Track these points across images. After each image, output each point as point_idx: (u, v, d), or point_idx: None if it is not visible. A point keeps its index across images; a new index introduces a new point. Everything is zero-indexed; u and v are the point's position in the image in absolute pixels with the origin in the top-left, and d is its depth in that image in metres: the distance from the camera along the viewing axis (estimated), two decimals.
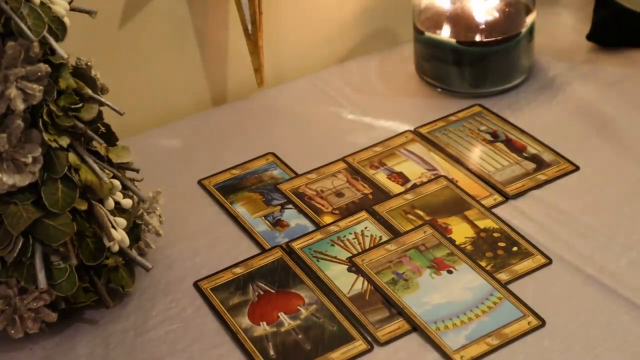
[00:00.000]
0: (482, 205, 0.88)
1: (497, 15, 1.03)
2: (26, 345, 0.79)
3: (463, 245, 0.84)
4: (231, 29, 1.08)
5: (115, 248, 0.78)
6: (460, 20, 1.03)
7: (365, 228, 0.87)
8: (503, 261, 0.82)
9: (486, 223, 0.86)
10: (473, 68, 1.02)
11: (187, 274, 0.84)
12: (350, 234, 0.86)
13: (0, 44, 0.70)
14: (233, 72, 1.11)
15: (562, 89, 1.03)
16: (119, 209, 0.79)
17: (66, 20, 0.73)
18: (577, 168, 0.92)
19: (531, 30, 1.03)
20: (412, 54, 1.07)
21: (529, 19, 1.02)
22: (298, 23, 1.12)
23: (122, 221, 0.79)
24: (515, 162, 0.93)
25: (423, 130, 0.99)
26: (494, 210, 0.88)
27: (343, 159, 0.96)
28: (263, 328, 0.78)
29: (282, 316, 0.79)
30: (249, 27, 1.03)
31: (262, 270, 0.83)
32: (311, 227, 0.88)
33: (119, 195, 0.79)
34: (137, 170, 0.84)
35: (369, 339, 0.76)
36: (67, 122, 0.74)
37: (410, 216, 0.87)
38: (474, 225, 0.86)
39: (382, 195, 0.91)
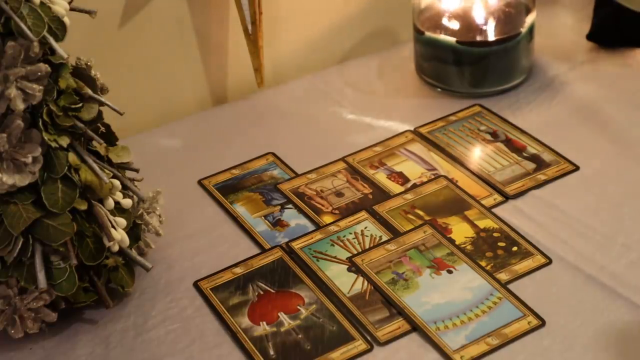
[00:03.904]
0: (482, 205, 0.88)
1: (497, 15, 1.03)
2: (26, 345, 0.79)
3: (463, 245, 0.84)
4: (231, 29, 1.08)
5: (115, 248, 0.78)
6: (460, 21, 1.03)
7: (365, 228, 0.87)
8: (503, 261, 0.82)
9: (486, 223, 0.86)
10: (473, 68, 1.02)
11: (187, 274, 0.84)
12: (350, 233, 0.86)
13: (0, 44, 0.70)
14: (233, 72, 1.11)
15: (562, 89, 1.03)
16: (119, 209, 0.79)
17: (66, 20, 0.73)
18: (577, 168, 0.92)
19: (531, 30, 1.03)
20: (412, 54, 1.07)
21: (529, 19, 1.02)
22: (298, 23, 1.12)
23: (122, 221, 0.79)
24: (515, 162, 0.93)
25: (423, 130, 0.99)
26: (494, 210, 0.88)
27: (343, 159, 0.96)
28: (263, 328, 0.78)
29: (282, 316, 0.79)
30: (249, 27, 1.03)
31: (262, 270, 0.83)
32: (311, 227, 0.88)
33: (119, 195, 0.79)
34: (137, 170, 0.84)
35: (369, 338, 0.76)
36: (67, 122, 0.74)
37: (410, 216, 0.87)
38: (474, 225, 0.86)
39: (382, 195, 0.91)
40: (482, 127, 0.98)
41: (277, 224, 0.89)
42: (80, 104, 0.75)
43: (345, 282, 0.81)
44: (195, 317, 0.80)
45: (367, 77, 1.09)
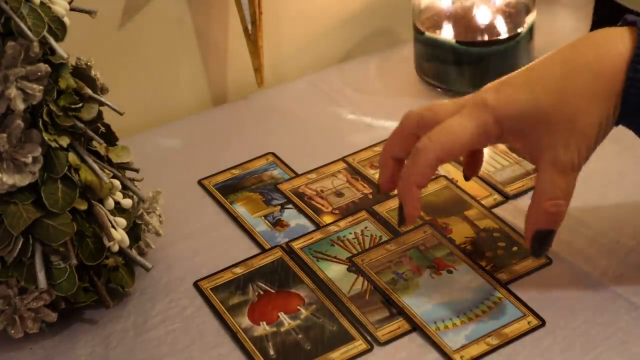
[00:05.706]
0: (482, 205, 0.88)
1: (497, 15, 1.03)
2: (26, 345, 0.79)
3: (463, 245, 0.84)
4: (231, 29, 1.08)
5: (115, 248, 0.78)
6: (460, 20, 1.03)
7: (365, 228, 0.87)
8: (503, 261, 0.82)
9: (486, 223, 0.86)
10: (473, 68, 1.02)
11: (187, 274, 0.84)
12: (350, 234, 0.86)
13: (0, 44, 0.70)
14: (233, 72, 1.11)
15: None
16: (119, 209, 0.79)
17: (66, 20, 0.73)
18: None
19: (531, 30, 1.03)
20: (412, 54, 1.07)
21: (529, 19, 1.02)
22: (298, 23, 1.12)
23: (122, 221, 0.79)
24: (515, 162, 0.93)
25: None
26: (494, 210, 0.88)
27: (343, 159, 0.96)
28: (263, 328, 0.78)
29: (282, 316, 0.79)
30: (249, 27, 1.03)
31: (262, 270, 0.83)
32: (311, 227, 0.88)
33: (119, 195, 0.79)
34: (137, 170, 0.84)
35: (369, 338, 0.76)
36: (67, 122, 0.74)
37: None
38: (473, 225, 0.86)
39: (382, 195, 0.91)
40: None
41: (277, 224, 0.89)
42: (80, 104, 0.75)
43: (345, 282, 0.81)
44: (195, 317, 0.80)
45: (367, 77, 1.09)
